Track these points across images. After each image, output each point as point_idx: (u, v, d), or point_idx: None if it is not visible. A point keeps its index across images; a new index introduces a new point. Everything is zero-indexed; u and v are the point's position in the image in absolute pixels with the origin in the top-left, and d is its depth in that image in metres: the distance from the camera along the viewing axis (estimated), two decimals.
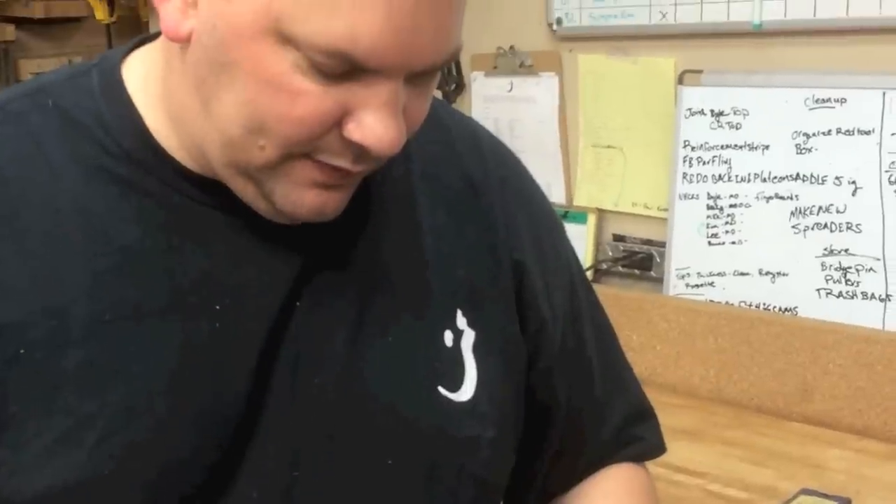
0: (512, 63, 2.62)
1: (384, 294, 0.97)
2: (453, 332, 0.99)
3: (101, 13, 3.12)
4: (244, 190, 0.88)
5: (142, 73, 0.94)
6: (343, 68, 0.80)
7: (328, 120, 0.82)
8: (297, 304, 0.92)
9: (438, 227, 1.02)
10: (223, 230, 0.92)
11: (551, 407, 1.10)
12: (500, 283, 1.04)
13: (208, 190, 0.91)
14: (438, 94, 2.64)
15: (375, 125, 0.82)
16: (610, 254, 2.56)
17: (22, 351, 0.86)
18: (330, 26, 0.78)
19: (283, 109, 0.81)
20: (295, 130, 0.82)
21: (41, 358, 0.86)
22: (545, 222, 1.12)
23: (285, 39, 0.79)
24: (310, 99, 0.81)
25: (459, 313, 1.00)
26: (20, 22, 3.36)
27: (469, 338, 1.00)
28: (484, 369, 1.00)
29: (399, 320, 0.97)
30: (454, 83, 2.69)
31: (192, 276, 0.90)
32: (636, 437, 1.17)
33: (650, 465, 1.21)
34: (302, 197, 0.87)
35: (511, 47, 2.61)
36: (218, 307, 0.90)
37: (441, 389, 0.97)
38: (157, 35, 0.96)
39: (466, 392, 0.98)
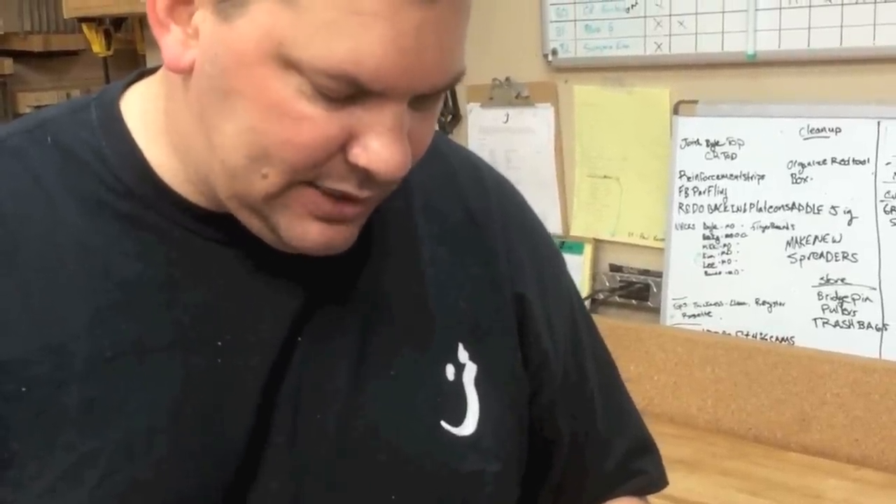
0: (508, 94, 2.63)
1: (386, 328, 0.96)
2: (455, 365, 0.99)
3: (98, 47, 3.12)
4: (250, 221, 0.88)
5: (142, 107, 0.94)
6: (347, 92, 0.80)
7: (333, 145, 0.82)
8: (299, 338, 0.92)
9: (440, 259, 1.01)
10: (225, 264, 0.91)
11: (554, 440, 1.10)
12: (502, 316, 1.03)
13: (211, 224, 0.91)
14: (434, 126, 2.64)
15: (381, 149, 0.82)
16: (607, 284, 2.56)
17: (23, 388, 0.85)
18: (333, 49, 0.78)
19: (287, 135, 0.81)
20: (299, 156, 0.82)
21: (42, 395, 0.85)
22: (547, 255, 1.12)
23: (288, 64, 0.79)
24: (314, 124, 0.81)
25: (461, 347, 1.00)
26: (18, 55, 3.38)
27: (471, 371, 0.99)
28: (486, 403, 0.99)
29: (401, 354, 0.96)
30: (450, 114, 2.70)
31: (193, 311, 0.90)
32: (639, 471, 1.17)
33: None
34: (306, 229, 0.87)
35: (507, 78, 2.62)
36: (219, 342, 0.90)
37: (444, 424, 0.97)
38: (156, 69, 0.96)
39: (469, 426, 0.98)
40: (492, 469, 0.99)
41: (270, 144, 0.82)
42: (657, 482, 1.19)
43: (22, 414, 0.85)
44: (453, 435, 0.97)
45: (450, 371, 0.98)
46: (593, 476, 1.14)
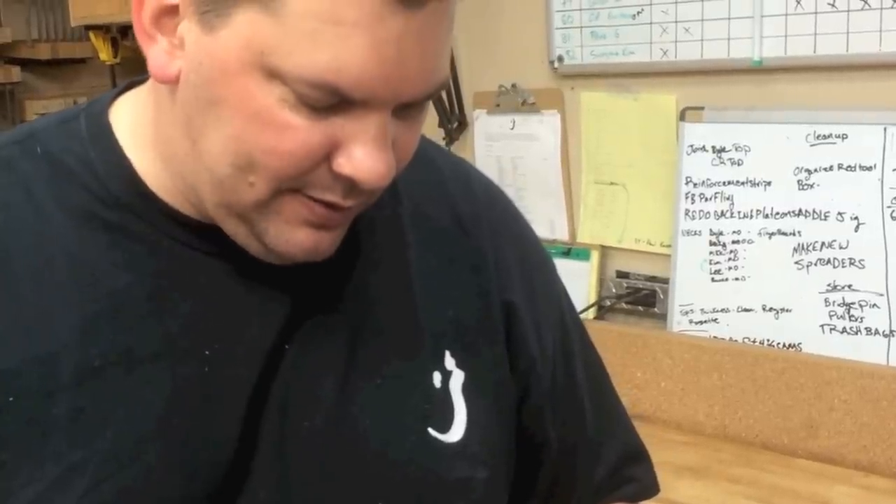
0: (514, 101, 2.63)
1: (373, 336, 0.96)
2: (442, 372, 0.99)
3: (105, 54, 3.14)
4: (236, 231, 0.88)
5: (130, 117, 0.94)
6: (330, 101, 0.80)
7: (317, 154, 0.82)
8: (287, 346, 0.92)
9: (428, 267, 1.01)
10: (213, 274, 0.91)
11: (542, 446, 1.10)
12: (490, 323, 1.03)
13: (199, 234, 0.91)
14: (441, 133, 2.65)
15: (365, 158, 0.82)
16: (613, 290, 2.56)
17: (11, 399, 0.85)
18: (314, 58, 0.78)
19: (271, 144, 0.81)
20: (283, 164, 0.82)
21: (31, 405, 0.85)
22: (536, 261, 1.12)
23: (271, 73, 0.79)
24: (298, 133, 0.81)
25: (448, 354, 0.99)
26: (26, 63, 3.39)
27: (458, 378, 0.99)
28: (474, 410, 0.99)
29: (388, 362, 0.96)
30: (456, 121, 2.69)
31: (181, 320, 0.90)
32: (630, 478, 1.16)
33: (652, 502, 1.21)
34: (295, 236, 0.87)
35: (513, 85, 2.61)
36: (207, 352, 0.90)
37: (431, 431, 0.97)
38: (145, 79, 0.96)
39: (456, 433, 0.98)
40: (480, 476, 0.99)
41: (255, 153, 0.82)
42: (649, 489, 1.19)
43: (10, 424, 0.85)
44: (441, 442, 0.97)
45: (437, 378, 0.98)
46: (583, 483, 1.14)
